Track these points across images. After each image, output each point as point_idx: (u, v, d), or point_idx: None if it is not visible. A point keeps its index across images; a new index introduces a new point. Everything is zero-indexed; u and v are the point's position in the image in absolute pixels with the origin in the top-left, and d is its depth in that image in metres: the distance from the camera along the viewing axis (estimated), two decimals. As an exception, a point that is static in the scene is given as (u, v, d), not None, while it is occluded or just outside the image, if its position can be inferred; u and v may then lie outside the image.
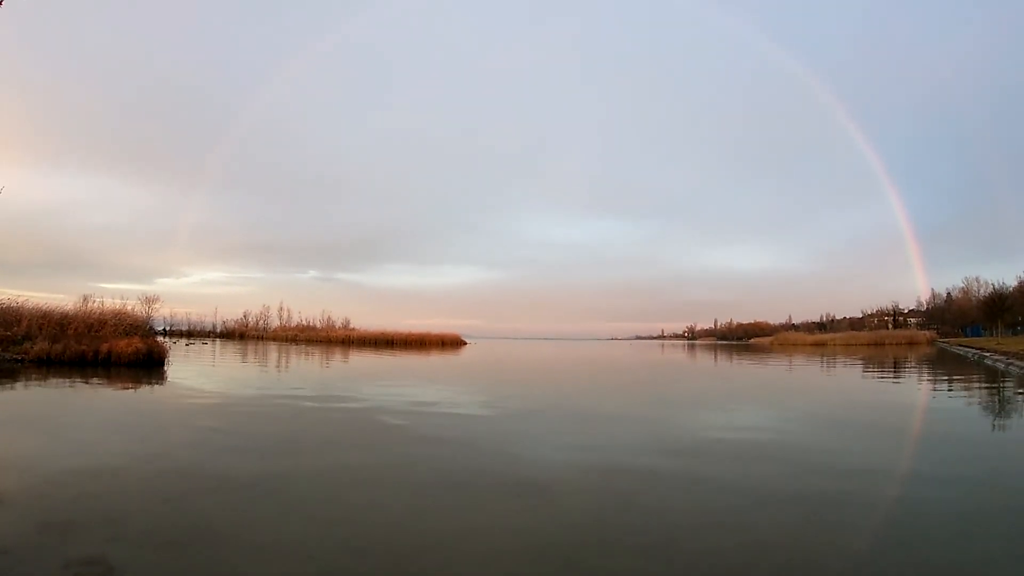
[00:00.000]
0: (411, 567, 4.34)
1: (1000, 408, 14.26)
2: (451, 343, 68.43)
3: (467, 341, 74.72)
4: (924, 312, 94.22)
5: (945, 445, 9.34)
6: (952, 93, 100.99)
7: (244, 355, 37.77)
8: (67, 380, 17.76)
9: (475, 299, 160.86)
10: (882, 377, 25.07)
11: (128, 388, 16.55)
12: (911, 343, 69.94)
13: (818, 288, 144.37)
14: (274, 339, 75.23)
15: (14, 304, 26.70)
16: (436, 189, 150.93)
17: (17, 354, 22.75)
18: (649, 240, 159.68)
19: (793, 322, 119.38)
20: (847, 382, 23.19)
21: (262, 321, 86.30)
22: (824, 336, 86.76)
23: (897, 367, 30.94)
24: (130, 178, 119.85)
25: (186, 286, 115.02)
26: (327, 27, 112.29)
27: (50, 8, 75.56)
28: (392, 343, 65.30)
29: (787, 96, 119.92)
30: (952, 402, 15.49)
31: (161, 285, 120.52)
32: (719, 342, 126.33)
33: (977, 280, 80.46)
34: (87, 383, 17.24)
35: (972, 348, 44.92)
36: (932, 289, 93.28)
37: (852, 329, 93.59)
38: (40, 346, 23.22)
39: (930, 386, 20.44)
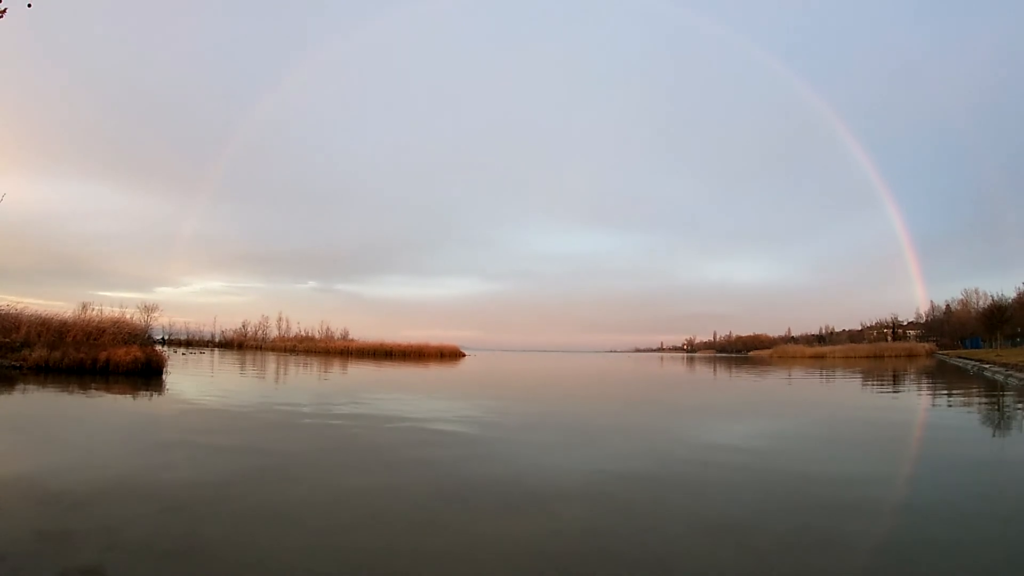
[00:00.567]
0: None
1: (1001, 421, 14.23)
2: (450, 355, 68.28)
3: (466, 353, 74.58)
4: (923, 324, 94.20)
5: (944, 459, 9.30)
6: (951, 106, 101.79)
7: (242, 365, 37.69)
8: (65, 388, 17.71)
9: (474, 311, 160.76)
10: (881, 390, 25.02)
11: (126, 397, 16.50)
12: (910, 355, 69.83)
13: (817, 301, 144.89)
14: (273, 349, 75.11)
15: (13, 311, 26.75)
16: (436, 201, 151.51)
17: (15, 361, 22.71)
18: (648, 252, 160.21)
19: (792, 335, 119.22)
20: (846, 395, 23.12)
21: (261, 331, 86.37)
22: (823, 349, 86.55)
23: (897, 380, 30.89)
24: (131, 186, 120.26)
25: (185, 295, 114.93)
26: (328, 40, 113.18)
27: (52, 17, 75.92)
28: (391, 354, 65.17)
29: (786, 109, 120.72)
30: (952, 415, 15.47)
31: (160, 294, 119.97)
32: (718, 355, 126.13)
33: (976, 292, 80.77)
34: (85, 391, 17.19)
35: (971, 360, 44.90)
36: (931, 301, 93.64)
37: (851, 341, 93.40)
38: (39, 353, 23.19)
39: (930, 399, 20.39)
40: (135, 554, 4.59)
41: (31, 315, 26.71)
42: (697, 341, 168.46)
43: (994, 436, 11.79)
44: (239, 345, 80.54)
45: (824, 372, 39.70)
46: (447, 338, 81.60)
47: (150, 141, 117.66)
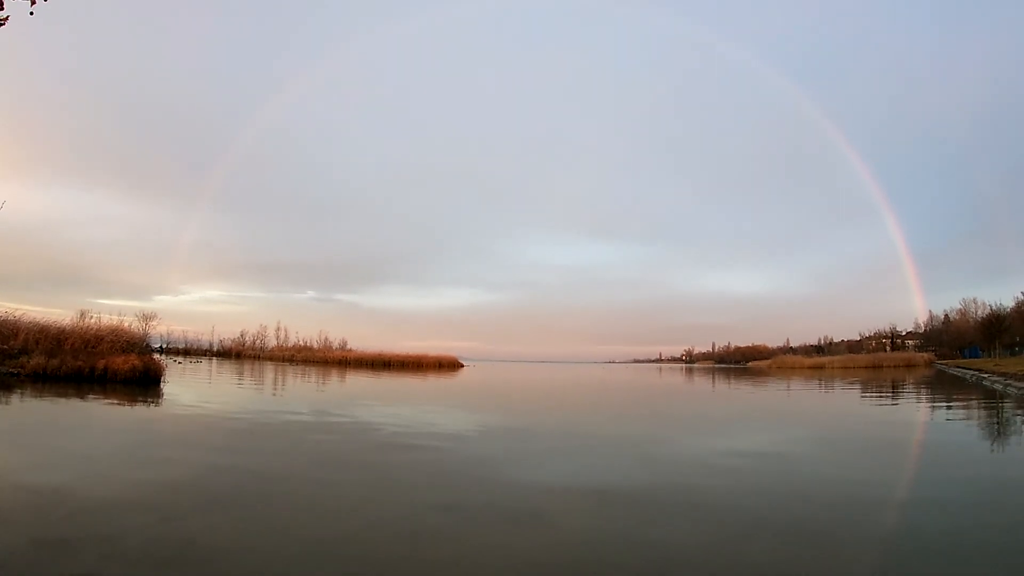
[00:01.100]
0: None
1: (999, 431, 14.21)
2: (448, 365, 68.09)
3: (464, 363, 74.43)
4: (922, 334, 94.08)
5: (944, 469, 9.28)
6: (949, 116, 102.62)
7: (240, 375, 37.56)
8: (63, 396, 17.63)
9: (473, 321, 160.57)
10: (881, 400, 24.99)
11: (124, 406, 16.43)
12: (909, 365, 69.72)
13: (816, 311, 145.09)
14: (271, 359, 74.86)
15: (11, 317, 26.68)
16: (435, 211, 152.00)
17: (13, 368, 22.65)
18: (647, 263, 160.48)
19: (791, 345, 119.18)
20: (845, 406, 23.10)
21: (259, 341, 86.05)
22: (822, 359, 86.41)
23: (896, 390, 30.86)
24: (130, 194, 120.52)
25: (184, 304, 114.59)
26: (329, 50, 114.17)
27: (54, 25, 76.38)
28: (389, 364, 64.99)
29: (785, 120, 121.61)
30: (951, 425, 15.45)
31: (159, 302, 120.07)
32: (717, 365, 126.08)
33: (975, 301, 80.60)
34: (83, 399, 17.12)
35: (970, 369, 44.92)
36: (930, 311, 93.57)
37: (850, 352, 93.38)
38: (36, 360, 23.13)
39: (928, 409, 20.37)
40: (133, 563, 4.57)
41: (29, 322, 26.69)
42: (696, 352, 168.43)
43: (992, 446, 11.77)
44: (237, 354, 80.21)
45: (823, 383, 39.65)
46: (446, 349, 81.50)
47: (150, 149, 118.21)
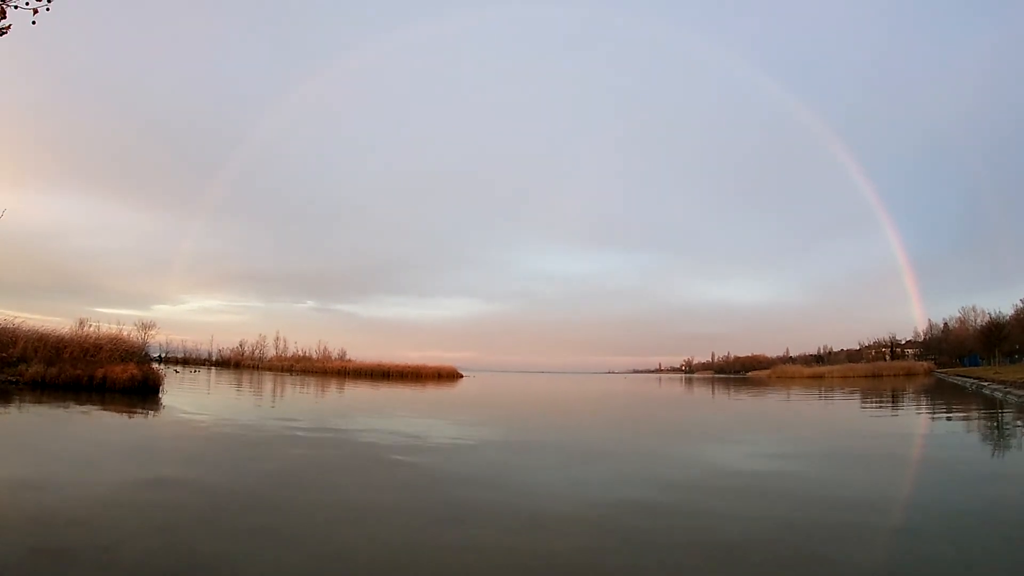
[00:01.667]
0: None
1: (999, 439, 14.22)
2: (447, 375, 67.97)
3: (463, 374, 74.24)
4: (921, 343, 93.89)
5: (943, 478, 9.27)
6: (946, 125, 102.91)
7: (239, 384, 37.48)
8: (62, 404, 17.57)
9: (472, 331, 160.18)
10: (881, 409, 24.98)
11: (123, 415, 16.42)
12: (909, 374, 69.65)
13: (815, 321, 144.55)
14: (270, 369, 74.63)
15: (10, 325, 26.58)
16: (435, 221, 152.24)
17: (12, 376, 22.59)
18: (646, 273, 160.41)
19: (791, 355, 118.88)
20: (846, 415, 23.06)
21: (258, 350, 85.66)
22: (822, 369, 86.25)
23: (896, 399, 30.84)
24: (130, 203, 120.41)
25: (183, 313, 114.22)
26: (329, 59, 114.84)
27: (54, 33, 76.86)
28: (388, 375, 64.85)
29: (783, 130, 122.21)
30: (951, 433, 15.46)
31: (158, 311, 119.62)
32: (717, 375, 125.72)
33: (974, 310, 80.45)
34: (81, 408, 17.06)
35: (970, 378, 44.87)
36: (929, 320, 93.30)
37: (850, 361, 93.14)
38: (35, 369, 23.09)
39: (929, 417, 20.36)
40: (132, 573, 4.57)
41: (28, 330, 26.59)
42: (695, 362, 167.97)
43: (993, 454, 11.79)
44: (236, 364, 79.95)
45: (823, 392, 39.62)
46: (445, 359, 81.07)
47: (150, 159, 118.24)
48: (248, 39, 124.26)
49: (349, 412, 20.57)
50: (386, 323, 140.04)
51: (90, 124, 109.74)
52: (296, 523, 6.10)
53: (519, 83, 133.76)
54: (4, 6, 4.11)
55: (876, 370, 74.34)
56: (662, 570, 5.03)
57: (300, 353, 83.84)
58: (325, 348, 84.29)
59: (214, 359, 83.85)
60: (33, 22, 4.20)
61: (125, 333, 31.64)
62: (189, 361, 78.49)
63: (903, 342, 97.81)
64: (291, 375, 59.53)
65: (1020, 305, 63.54)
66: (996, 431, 15.60)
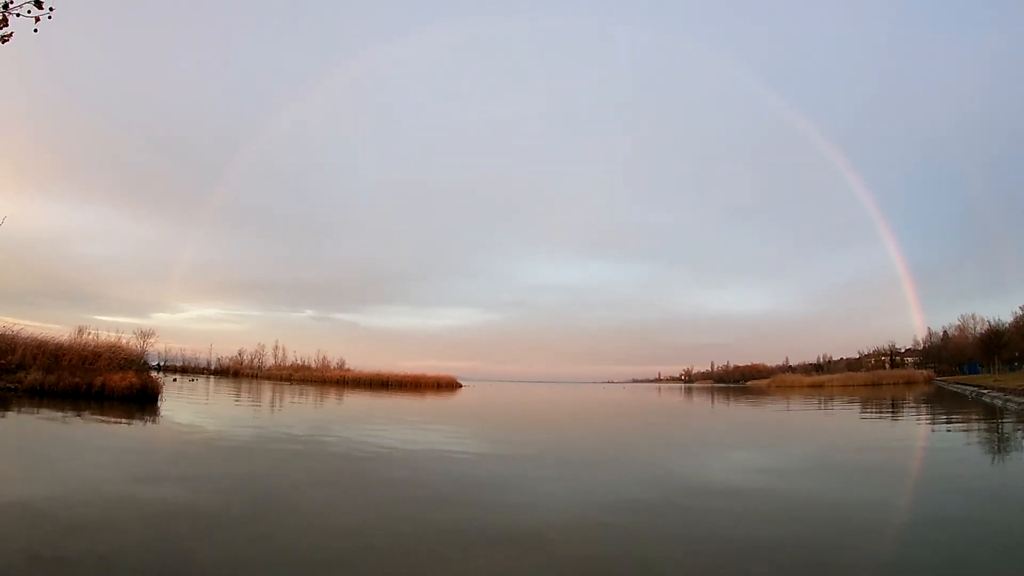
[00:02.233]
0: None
1: (1000, 447, 14.21)
2: (446, 385, 67.74)
3: (463, 383, 74.07)
4: (921, 351, 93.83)
5: (943, 487, 9.23)
6: (945, 134, 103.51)
7: (238, 393, 37.39)
8: (60, 412, 17.52)
9: (471, 341, 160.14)
10: (881, 418, 24.96)
11: (121, 423, 16.37)
12: (909, 382, 69.53)
13: (815, 330, 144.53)
14: (268, 378, 74.41)
15: (9, 332, 26.64)
16: (434, 231, 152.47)
17: (10, 383, 22.55)
18: (646, 283, 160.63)
19: (790, 364, 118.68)
20: (846, 424, 23.02)
21: (257, 359, 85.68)
22: (821, 377, 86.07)
23: (896, 407, 30.79)
24: (130, 211, 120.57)
25: (182, 321, 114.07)
26: (330, 69, 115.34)
27: (56, 41, 77.33)
28: (387, 385, 64.63)
29: (782, 139, 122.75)
30: (952, 442, 15.40)
31: (157, 320, 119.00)
32: (716, 385, 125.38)
33: (973, 317, 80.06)
34: (80, 416, 17.02)
35: (970, 385, 44.80)
36: (929, 328, 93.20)
37: (849, 370, 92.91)
38: (34, 376, 23.04)
39: (929, 426, 20.33)
40: None
41: (27, 337, 26.64)
42: (695, 371, 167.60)
43: (993, 462, 11.77)
44: (235, 373, 79.80)
45: (823, 401, 39.55)
46: (444, 368, 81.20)
47: (150, 167, 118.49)
48: (250, 49, 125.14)
49: (347, 422, 20.51)
50: (385, 332, 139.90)
51: (90, 132, 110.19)
52: (294, 533, 6.09)
53: (520, 93, 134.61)
54: (6, 14, 4.09)
55: (876, 379, 74.23)
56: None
57: (299, 362, 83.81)
58: (324, 357, 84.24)
59: (213, 368, 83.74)
60: (35, 30, 4.14)
61: (124, 341, 31.78)
62: (188, 370, 78.38)
63: (903, 350, 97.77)
64: (290, 384, 59.37)
65: (1019, 312, 63.38)
66: (996, 439, 15.58)
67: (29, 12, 4.05)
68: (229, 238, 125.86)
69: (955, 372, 76.50)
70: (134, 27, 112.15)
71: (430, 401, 37.71)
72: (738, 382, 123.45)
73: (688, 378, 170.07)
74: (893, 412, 27.35)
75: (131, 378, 23.36)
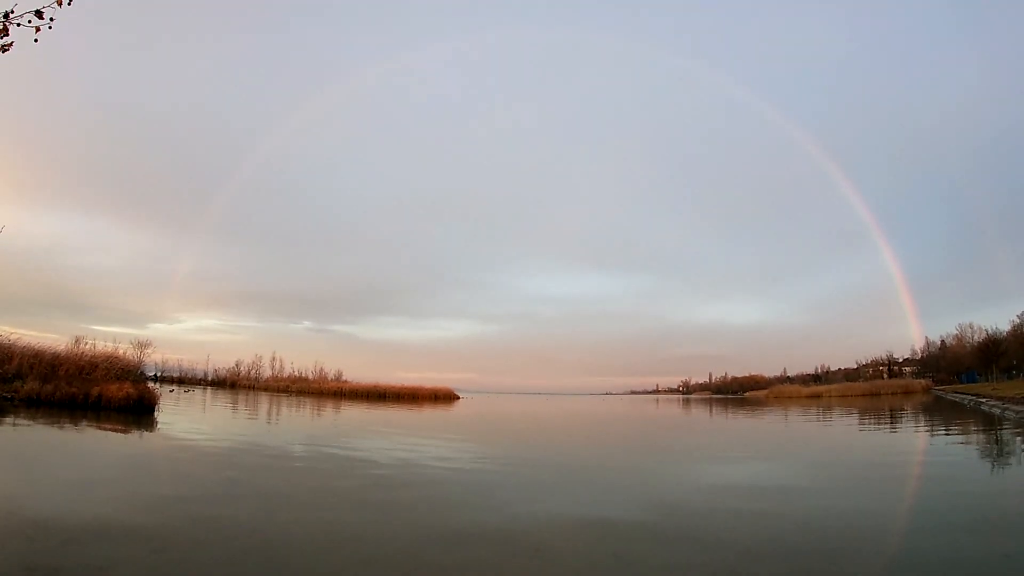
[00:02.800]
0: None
1: (999, 456, 14.20)
2: (444, 397, 67.46)
3: (460, 395, 73.80)
4: (919, 360, 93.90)
5: (943, 497, 9.19)
6: (939, 145, 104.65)
7: (235, 405, 37.19)
8: (57, 422, 17.41)
9: (469, 353, 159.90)
10: (879, 428, 24.92)
11: (118, 434, 16.28)
12: (907, 392, 69.50)
13: (812, 340, 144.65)
14: (265, 389, 74.01)
15: (6, 341, 26.50)
16: (432, 243, 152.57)
17: (7, 392, 22.41)
18: (643, 295, 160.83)
19: (788, 374, 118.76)
20: (844, 435, 22.92)
21: (254, 371, 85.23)
22: (819, 388, 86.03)
23: (894, 417, 30.75)
24: (128, 222, 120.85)
25: (179, 332, 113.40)
26: (329, 83, 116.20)
27: (56, 51, 77.65)
28: (384, 396, 64.31)
29: (779, 152, 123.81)
30: (951, 451, 15.38)
31: (154, 330, 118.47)
32: (714, 396, 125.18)
33: (971, 326, 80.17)
34: (77, 427, 16.92)
35: (968, 394, 44.85)
36: (926, 337, 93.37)
37: (847, 380, 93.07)
38: (30, 386, 22.90)
39: (928, 436, 20.29)
40: None
41: (24, 346, 26.49)
42: (693, 383, 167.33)
43: (992, 471, 11.78)
44: (232, 384, 79.38)
45: (821, 412, 39.49)
46: (442, 380, 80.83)
47: (149, 178, 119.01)
48: (251, 61, 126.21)
49: (345, 434, 20.42)
50: (383, 344, 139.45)
51: (90, 142, 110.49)
52: (291, 545, 6.06)
53: (518, 106, 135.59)
54: (7, 23, 4.07)
55: (874, 389, 74.20)
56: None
57: (296, 374, 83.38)
58: (322, 369, 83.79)
59: (210, 379, 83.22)
60: (36, 40, 4.16)
61: (121, 351, 31.67)
62: (185, 380, 77.84)
63: (900, 360, 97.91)
64: (287, 396, 59.08)
65: (1017, 321, 63.55)
66: (995, 448, 15.60)
67: (30, 22, 4.06)
68: (227, 249, 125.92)
69: (953, 381, 76.59)
70: (135, 38, 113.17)
71: (428, 413, 37.56)
72: (736, 393, 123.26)
73: (686, 389, 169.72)
74: (892, 422, 27.32)
75: (128, 389, 23.22)
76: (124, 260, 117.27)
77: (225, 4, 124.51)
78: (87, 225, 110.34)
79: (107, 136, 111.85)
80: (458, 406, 51.01)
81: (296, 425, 23.29)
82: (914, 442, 18.03)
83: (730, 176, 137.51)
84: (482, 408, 47.17)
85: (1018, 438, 17.78)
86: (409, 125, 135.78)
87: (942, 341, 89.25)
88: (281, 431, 20.28)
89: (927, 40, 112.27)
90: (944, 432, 20.46)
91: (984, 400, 35.59)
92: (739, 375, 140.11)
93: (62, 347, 28.93)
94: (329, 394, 66.02)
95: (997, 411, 28.14)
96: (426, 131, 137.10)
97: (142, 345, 52.85)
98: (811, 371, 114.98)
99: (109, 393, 22.71)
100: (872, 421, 28.27)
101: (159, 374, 72.79)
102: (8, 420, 17.24)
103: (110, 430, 16.77)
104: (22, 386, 22.99)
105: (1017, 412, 25.72)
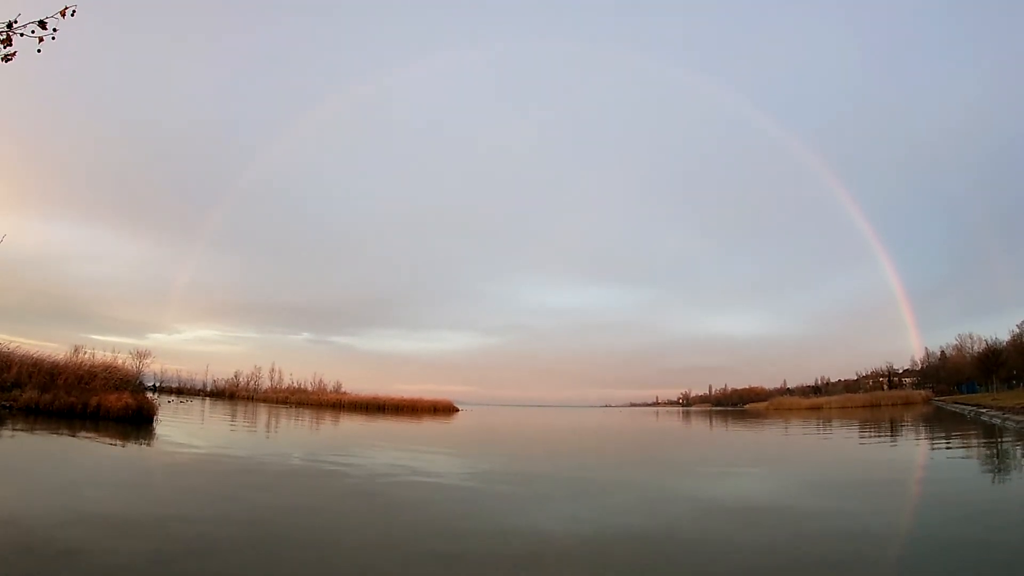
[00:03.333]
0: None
1: (1000, 466, 14.17)
2: (443, 409, 67.15)
3: (459, 407, 73.52)
4: (919, 371, 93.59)
5: (943, 508, 9.15)
6: (938, 155, 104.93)
7: (233, 416, 37.03)
8: (55, 432, 17.36)
9: (468, 365, 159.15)
10: (880, 440, 24.83)
11: (116, 444, 16.21)
12: (907, 403, 69.26)
13: (812, 352, 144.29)
14: (264, 400, 73.64)
15: (5, 350, 26.51)
16: (432, 255, 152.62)
17: (5, 401, 22.36)
18: (643, 307, 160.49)
19: (788, 386, 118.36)
20: (845, 447, 22.82)
21: (253, 381, 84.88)
22: (820, 400, 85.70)
23: (895, 429, 30.64)
24: (129, 231, 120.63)
25: (178, 342, 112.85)
26: (331, 95, 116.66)
27: (57, 61, 78.06)
28: (383, 408, 64.04)
29: (778, 164, 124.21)
30: (952, 462, 15.35)
31: (153, 340, 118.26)
32: (714, 408, 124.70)
33: (971, 336, 79.72)
34: (75, 436, 16.87)
35: (968, 405, 44.75)
36: (926, 348, 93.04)
37: (847, 392, 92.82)
38: (29, 395, 22.86)
39: (928, 446, 20.24)
40: None
41: (23, 355, 26.47)
42: (692, 395, 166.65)
43: (993, 482, 11.78)
44: (231, 395, 79.04)
45: (822, 423, 39.36)
46: (441, 392, 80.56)
47: (150, 188, 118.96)
48: (253, 72, 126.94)
49: (343, 446, 20.34)
50: (383, 356, 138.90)
51: (91, 151, 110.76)
52: (290, 558, 6.04)
53: (519, 120, 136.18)
54: (10, 33, 4.08)
55: (874, 400, 73.97)
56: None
57: (295, 385, 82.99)
58: (321, 380, 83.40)
59: (209, 390, 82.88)
60: (39, 50, 4.15)
61: (120, 361, 31.51)
62: (183, 391, 77.58)
63: (900, 371, 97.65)
64: (286, 407, 58.86)
65: (1016, 330, 63.52)
66: (996, 459, 15.58)
67: (33, 32, 4.08)
68: (227, 260, 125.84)
69: (953, 392, 76.41)
70: (136, 46, 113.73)
71: (427, 425, 37.40)
72: (736, 405, 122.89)
73: (686, 401, 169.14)
74: (892, 434, 27.24)
75: (127, 399, 23.19)
76: (124, 270, 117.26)
77: (227, 17, 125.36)
78: (87, 235, 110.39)
79: (108, 146, 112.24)
80: (457, 418, 50.81)
81: (294, 437, 23.19)
82: (915, 454, 17.97)
83: (730, 188, 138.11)
84: (481, 421, 46.98)
85: (1019, 449, 17.75)
86: (409, 138, 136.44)
87: (942, 352, 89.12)
88: (279, 443, 20.20)
89: (928, 53, 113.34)
90: (945, 444, 20.42)
91: (984, 410, 35.54)
92: (739, 387, 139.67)
93: (61, 356, 28.88)
94: (328, 406, 65.76)
95: (997, 421, 28.10)
96: (427, 144, 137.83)
97: (141, 355, 52.56)
98: (811, 383, 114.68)
99: (108, 403, 22.68)
100: (873, 433, 28.20)
101: (158, 384, 72.53)
102: (6, 429, 17.19)
103: (109, 440, 16.71)
104: (21, 395, 22.96)
105: (1017, 422, 25.68)
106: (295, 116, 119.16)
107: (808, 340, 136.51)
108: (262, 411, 45.74)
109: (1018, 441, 19.49)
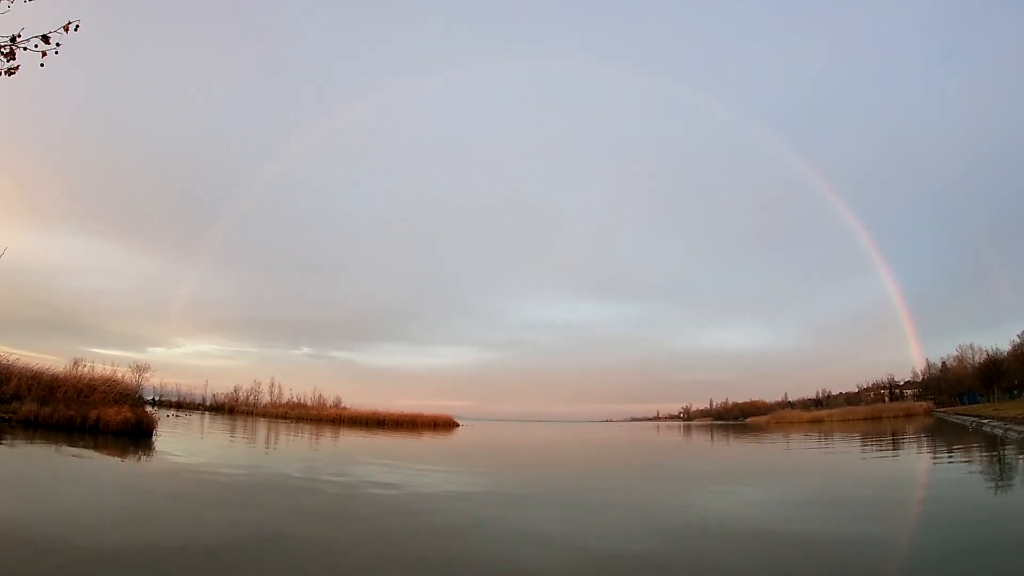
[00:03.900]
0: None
1: (1001, 477, 14.13)
2: (443, 424, 66.78)
3: (459, 422, 73.13)
4: (920, 383, 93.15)
5: (946, 520, 9.11)
6: (938, 167, 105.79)
7: (233, 430, 36.83)
8: (54, 445, 17.31)
9: (468, 380, 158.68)
10: (882, 452, 24.68)
11: (115, 458, 16.16)
12: (908, 415, 68.91)
13: (813, 365, 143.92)
14: (264, 415, 73.18)
15: (5, 362, 26.51)
16: (433, 270, 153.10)
17: (5, 413, 22.29)
18: (643, 321, 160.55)
19: (789, 400, 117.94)
20: (847, 460, 22.68)
21: (252, 396, 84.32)
22: (821, 413, 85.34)
23: (897, 441, 30.49)
24: (129, 245, 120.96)
25: (178, 356, 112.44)
26: (331, 111, 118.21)
27: (58, 76, 78.79)
28: (383, 423, 63.70)
29: (777, 177, 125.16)
30: (953, 474, 15.24)
31: (152, 354, 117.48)
32: (715, 422, 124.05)
33: (971, 347, 79.41)
34: (74, 450, 16.80)
35: (970, 416, 44.61)
36: (927, 359, 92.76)
37: (848, 404, 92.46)
38: (28, 407, 22.80)
39: (930, 460, 20.08)
40: None
41: (23, 367, 26.47)
42: (693, 409, 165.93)
43: (996, 494, 11.77)
44: (230, 409, 78.57)
45: (823, 437, 39.18)
46: (441, 407, 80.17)
47: (151, 202, 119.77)
48: (254, 89, 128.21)
49: (343, 461, 20.22)
50: (383, 371, 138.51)
51: (92, 166, 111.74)
52: (288, 573, 6.03)
53: (516, 134, 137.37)
54: (13, 47, 4.16)
55: (875, 412, 73.63)
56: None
57: (295, 400, 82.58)
58: (320, 395, 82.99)
59: (208, 404, 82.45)
60: (42, 64, 4.23)
61: (120, 375, 31.52)
62: (183, 405, 77.19)
63: (902, 383, 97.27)
64: (286, 422, 58.55)
65: (1017, 340, 63.40)
66: (998, 470, 15.53)
67: (36, 47, 4.16)
68: (227, 274, 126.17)
69: (954, 403, 76.11)
70: (139, 63, 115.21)
71: (427, 441, 37.25)
72: (737, 419, 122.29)
73: (687, 416, 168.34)
74: (894, 446, 27.11)
75: (126, 412, 23.09)
76: (124, 283, 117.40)
77: (229, 33, 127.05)
78: (88, 248, 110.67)
79: (110, 160, 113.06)
80: (458, 434, 50.56)
81: (294, 452, 23.03)
82: (917, 466, 17.88)
83: (730, 202, 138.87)
84: (482, 436, 46.77)
85: (1021, 459, 17.69)
86: (409, 154, 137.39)
87: (943, 363, 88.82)
88: (278, 458, 20.07)
89: (928, 69, 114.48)
90: (947, 455, 20.33)
91: (986, 421, 35.44)
92: (740, 401, 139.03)
93: (61, 369, 28.90)
94: (328, 421, 65.43)
95: (999, 432, 28.02)
96: (426, 159, 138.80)
97: (140, 369, 52.58)
98: (812, 396, 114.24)
99: (107, 416, 22.59)
100: (875, 446, 28.06)
101: (157, 398, 72.25)
102: (5, 441, 17.14)
103: (108, 454, 16.67)
104: (20, 407, 22.91)
105: (1019, 432, 25.62)
106: (297, 131, 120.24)
107: (809, 353, 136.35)
108: (261, 426, 45.51)
109: (1020, 451, 19.41)
